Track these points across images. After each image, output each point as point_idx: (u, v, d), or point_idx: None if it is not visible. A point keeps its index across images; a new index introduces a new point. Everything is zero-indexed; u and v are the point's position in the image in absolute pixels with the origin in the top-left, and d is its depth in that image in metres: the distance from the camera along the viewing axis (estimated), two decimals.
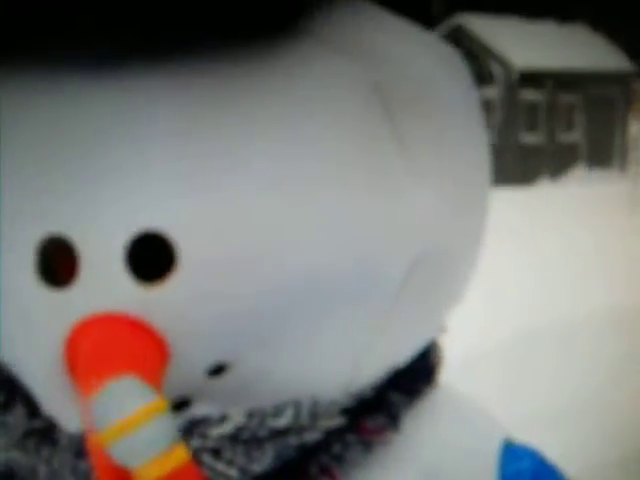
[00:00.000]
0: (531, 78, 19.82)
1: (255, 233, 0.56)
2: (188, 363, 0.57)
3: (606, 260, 9.28)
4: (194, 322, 0.56)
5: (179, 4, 0.58)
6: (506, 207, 14.38)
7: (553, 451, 0.81)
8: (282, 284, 0.57)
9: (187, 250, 0.55)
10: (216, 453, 0.59)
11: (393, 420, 0.64)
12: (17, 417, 0.63)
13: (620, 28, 22.68)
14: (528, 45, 20.30)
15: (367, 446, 0.63)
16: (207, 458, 0.59)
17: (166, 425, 0.53)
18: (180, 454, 0.53)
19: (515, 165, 19.57)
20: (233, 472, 0.59)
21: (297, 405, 0.60)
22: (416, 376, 0.67)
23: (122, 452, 0.52)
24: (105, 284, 0.56)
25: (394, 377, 0.65)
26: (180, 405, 0.59)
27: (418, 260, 0.61)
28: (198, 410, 0.60)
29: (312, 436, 0.60)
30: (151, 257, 0.57)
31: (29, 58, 0.58)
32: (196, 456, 0.58)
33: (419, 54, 0.64)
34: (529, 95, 20.02)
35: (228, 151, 0.56)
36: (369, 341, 0.62)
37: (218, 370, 0.58)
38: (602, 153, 20.92)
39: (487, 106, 19.90)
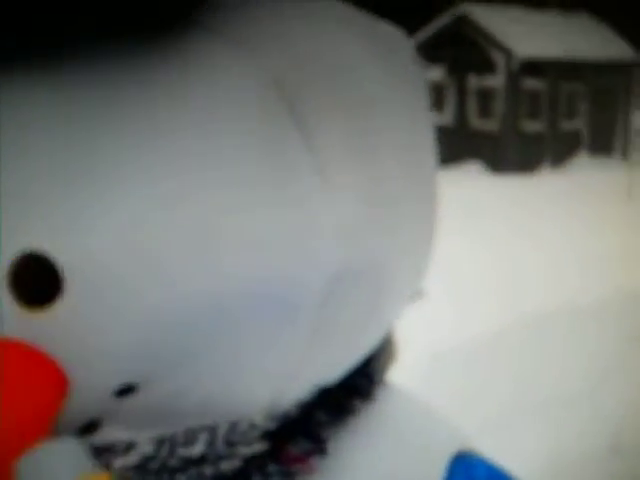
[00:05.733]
0: (533, 67, 19.85)
1: (143, 255, 0.51)
2: (91, 387, 0.52)
3: (605, 246, 9.65)
4: (88, 349, 0.52)
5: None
6: (509, 195, 14.67)
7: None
8: (175, 312, 0.51)
9: (71, 273, 0.50)
10: None
11: (320, 444, 0.58)
12: None
13: (624, 18, 22.39)
14: (531, 34, 20.19)
15: (290, 476, 0.56)
16: None
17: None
18: None
19: (517, 153, 19.76)
20: None
21: (211, 431, 0.55)
22: (349, 392, 0.61)
23: None
24: None
25: (323, 395, 0.59)
26: (87, 429, 0.54)
27: (338, 275, 0.56)
28: (107, 435, 0.54)
29: (230, 465, 0.55)
30: (43, 282, 0.52)
31: None
32: None
33: (337, 44, 0.56)
34: (531, 84, 20.09)
35: (108, 167, 0.51)
36: (292, 360, 0.57)
37: (126, 391, 0.53)
38: (604, 141, 21.04)
39: (490, 95, 20.02)
